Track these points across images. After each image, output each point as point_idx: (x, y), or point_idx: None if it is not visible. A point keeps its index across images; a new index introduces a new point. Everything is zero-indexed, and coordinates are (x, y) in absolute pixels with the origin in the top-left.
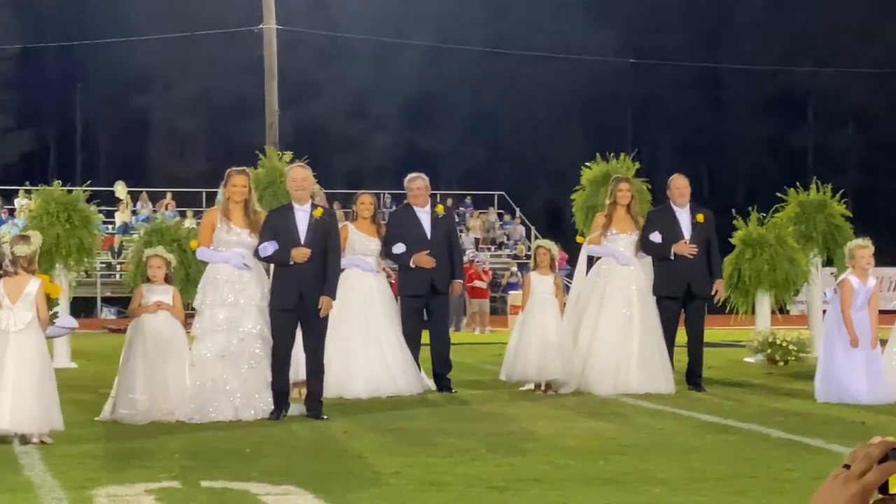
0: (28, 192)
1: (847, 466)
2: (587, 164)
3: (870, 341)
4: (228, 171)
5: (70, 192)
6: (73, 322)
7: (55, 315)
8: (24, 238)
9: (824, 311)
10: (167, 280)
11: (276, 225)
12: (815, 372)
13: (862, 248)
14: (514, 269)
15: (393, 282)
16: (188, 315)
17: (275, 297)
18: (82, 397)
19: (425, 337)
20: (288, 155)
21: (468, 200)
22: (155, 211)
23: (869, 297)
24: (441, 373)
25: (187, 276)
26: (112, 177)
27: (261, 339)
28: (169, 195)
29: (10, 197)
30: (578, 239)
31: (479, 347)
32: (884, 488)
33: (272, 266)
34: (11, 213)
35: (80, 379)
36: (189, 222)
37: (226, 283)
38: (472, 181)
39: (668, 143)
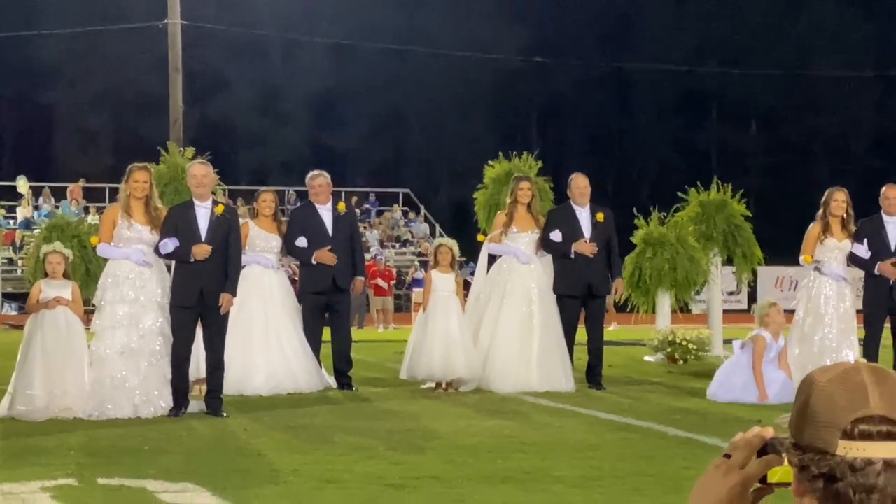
0: None
1: (728, 456)
2: (490, 162)
3: (776, 394)
4: (130, 167)
5: None
6: None
7: None
8: None
9: (724, 311)
10: (65, 276)
11: (177, 221)
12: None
13: (771, 306)
14: (417, 265)
15: (296, 279)
16: (88, 311)
17: (175, 294)
18: None
19: (326, 334)
20: (190, 151)
21: (373, 198)
22: (57, 206)
23: (780, 352)
24: (342, 370)
25: (87, 272)
26: (16, 172)
27: (161, 335)
28: (82, 181)
29: None
30: (479, 237)
31: (381, 345)
32: (762, 478)
33: (174, 263)
34: None
35: None
36: (92, 218)
37: (126, 279)
38: (378, 179)
39: (575, 142)
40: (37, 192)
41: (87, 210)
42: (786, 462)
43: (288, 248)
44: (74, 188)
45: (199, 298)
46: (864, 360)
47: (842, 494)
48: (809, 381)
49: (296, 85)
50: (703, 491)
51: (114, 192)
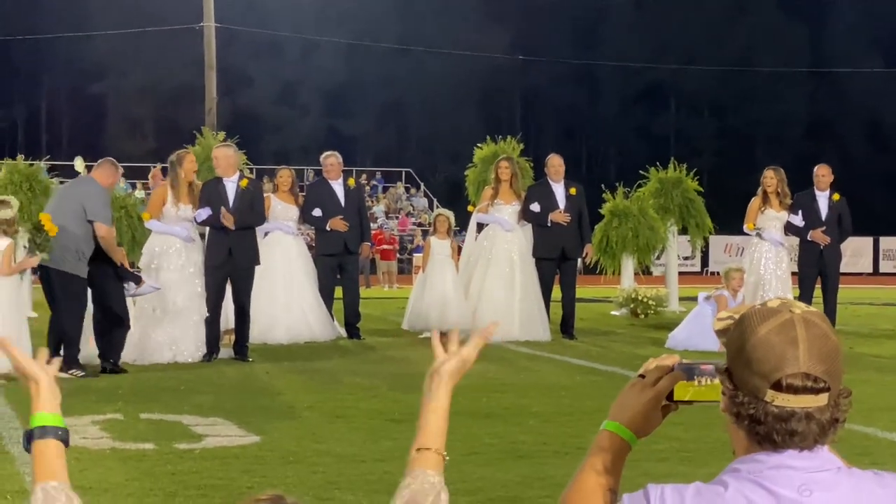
0: None
1: (642, 376)
2: (479, 145)
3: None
4: (179, 153)
5: (31, 165)
6: (157, 284)
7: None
8: (3, 202)
9: (680, 273)
10: None
11: (210, 194)
12: (673, 326)
13: (736, 271)
14: (419, 233)
15: (313, 245)
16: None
17: (208, 256)
18: (40, 342)
19: (338, 292)
20: (221, 135)
21: (380, 176)
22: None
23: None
24: (351, 322)
25: (134, 238)
26: (73, 153)
27: (200, 298)
28: (159, 165)
29: None
30: (469, 208)
31: (386, 301)
32: (669, 396)
33: (207, 230)
34: None
35: (39, 326)
36: (138, 193)
37: (173, 250)
38: (384, 160)
39: (552, 128)
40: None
41: (133, 186)
42: (697, 383)
43: (305, 218)
44: (156, 172)
45: (228, 257)
46: (801, 310)
47: (766, 435)
48: (749, 325)
49: (311, 79)
50: (622, 404)
51: None
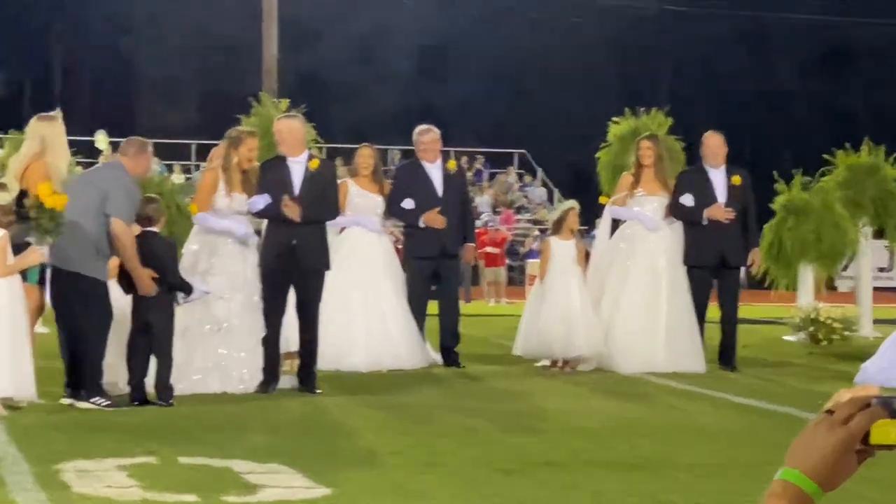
0: None
1: (830, 412)
2: (615, 119)
3: None
4: (238, 132)
5: None
6: (207, 287)
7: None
8: (2, 186)
9: (875, 288)
10: None
11: (271, 177)
12: (866, 356)
13: None
14: (536, 234)
15: (399, 246)
16: None
17: (265, 258)
18: (50, 364)
19: (433, 307)
20: (285, 103)
21: (484, 159)
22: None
23: None
24: (449, 346)
25: (171, 233)
26: (93, 127)
27: (258, 312)
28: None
29: None
30: (602, 199)
31: (492, 319)
32: (865, 438)
33: (263, 224)
34: None
35: (50, 346)
36: (177, 177)
37: (224, 248)
38: (490, 138)
39: (708, 100)
40: (116, 148)
41: (169, 168)
42: None
43: (392, 210)
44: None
45: (291, 259)
46: None
47: None
48: None
49: (398, 34)
50: (804, 447)
51: (200, 150)
